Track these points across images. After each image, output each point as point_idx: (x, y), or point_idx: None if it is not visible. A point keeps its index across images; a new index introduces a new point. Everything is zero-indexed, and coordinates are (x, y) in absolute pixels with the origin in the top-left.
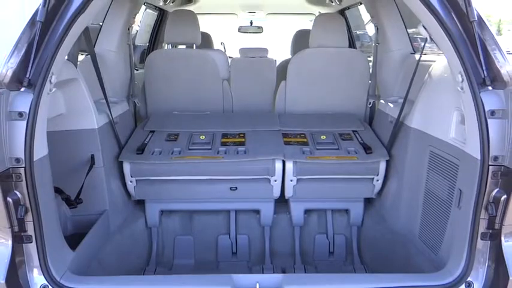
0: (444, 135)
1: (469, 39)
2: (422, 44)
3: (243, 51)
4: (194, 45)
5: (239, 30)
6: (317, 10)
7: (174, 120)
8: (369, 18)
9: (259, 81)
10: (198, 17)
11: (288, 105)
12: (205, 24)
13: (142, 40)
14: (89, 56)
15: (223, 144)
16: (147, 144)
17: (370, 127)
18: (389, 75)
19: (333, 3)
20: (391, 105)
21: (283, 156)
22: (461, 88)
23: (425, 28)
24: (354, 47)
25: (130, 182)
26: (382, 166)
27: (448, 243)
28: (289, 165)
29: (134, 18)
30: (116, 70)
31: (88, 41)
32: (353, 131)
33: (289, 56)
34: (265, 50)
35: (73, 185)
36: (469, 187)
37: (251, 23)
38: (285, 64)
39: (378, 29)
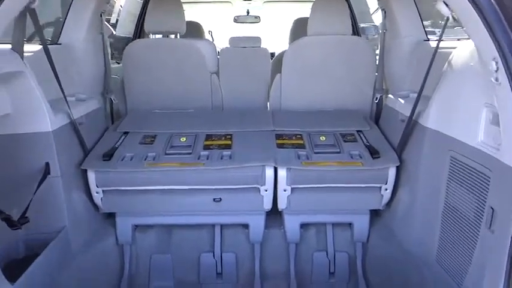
0: (470, 138)
1: (505, 14)
2: (442, 25)
3: (233, 40)
4: (178, 35)
5: (235, 20)
6: None
7: (152, 120)
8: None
9: (251, 74)
10: (190, 5)
11: (284, 101)
12: (198, 14)
13: (126, 30)
14: (54, 46)
15: (206, 147)
16: (118, 149)
17: (377, 126)
18: (399, 66)
19: None
20: (401, 101)
21: (274, 162)
22: (496, 79)
23: (446, 4)
24: (358, 35)
25: (97, 193)
26: (392, 173)
27: (476, 273)
28: (282, 173)
29: (107, 3)
30: (85, 63)
31: (37, 26)
32: (357, 131)
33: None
34: (257, 39)
35: (24, 200)
36: (505, 206)
37: (248, 12)
38: (283, 56)
39: (385, 12)
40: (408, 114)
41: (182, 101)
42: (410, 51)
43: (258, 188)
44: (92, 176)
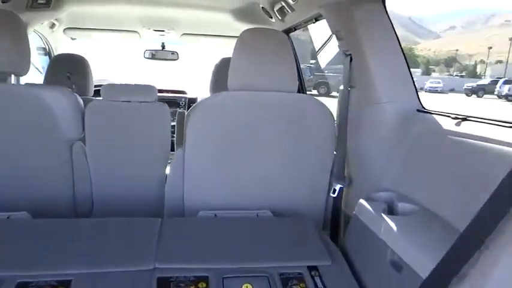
0: None
1: None
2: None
3: (108, 90)
4: (13, 77)
5: (148, 56)
6: None
7: None
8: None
9: (139, 146)
10: (85, 33)
11: (188, 195)
12: (98, 46)
13: None
14: None
15: None
16: None
17: (341, 254)
18: (376, 147)
19: (273, 20)
20: (387, 219)
21: None
22: None
23: None
24: (304, 91)
25: None
26: None
27: None
28: None
29: None
30: None
31: None
32: (309, 269)
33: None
34: (151, 89)
35: None
36: None
37: (163, 46)
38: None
39: (351, 60)
40: (401, 254)
41: (11, 195)
42: (395, 125)
43: None
44: None
